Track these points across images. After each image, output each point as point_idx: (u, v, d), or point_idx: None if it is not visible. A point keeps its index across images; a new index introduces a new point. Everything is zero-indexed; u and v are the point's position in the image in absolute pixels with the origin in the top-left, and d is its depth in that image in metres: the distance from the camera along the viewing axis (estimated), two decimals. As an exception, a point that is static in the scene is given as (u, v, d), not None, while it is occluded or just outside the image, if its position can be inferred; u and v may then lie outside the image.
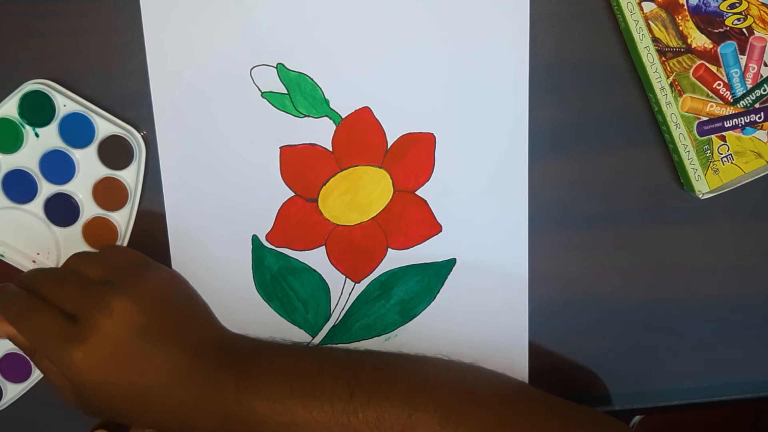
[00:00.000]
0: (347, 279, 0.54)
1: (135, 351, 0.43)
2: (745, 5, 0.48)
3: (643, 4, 0.48)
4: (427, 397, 0.44)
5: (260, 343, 0.48)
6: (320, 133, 0.52)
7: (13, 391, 0.54)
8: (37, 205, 0.52)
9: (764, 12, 0.48)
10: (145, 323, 0.44)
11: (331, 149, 0.52)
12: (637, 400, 0.56)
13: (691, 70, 0.49)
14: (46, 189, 0.52)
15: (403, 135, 0.52)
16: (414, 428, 0.43)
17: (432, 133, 0.52)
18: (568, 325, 0.55)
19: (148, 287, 0.45)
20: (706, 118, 0.50)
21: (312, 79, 0.51)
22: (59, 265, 0.53)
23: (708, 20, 0.49)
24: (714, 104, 0.49)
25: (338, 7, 0.50)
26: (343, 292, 0.54)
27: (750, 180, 0.50)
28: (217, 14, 0.50)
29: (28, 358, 0.46)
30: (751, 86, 0.49)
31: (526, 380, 0.55)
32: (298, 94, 0.51)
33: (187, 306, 0.48)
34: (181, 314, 0.46)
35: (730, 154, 0.50)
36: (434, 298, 0.54)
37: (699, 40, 0.49)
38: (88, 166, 0.52)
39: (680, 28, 0.49)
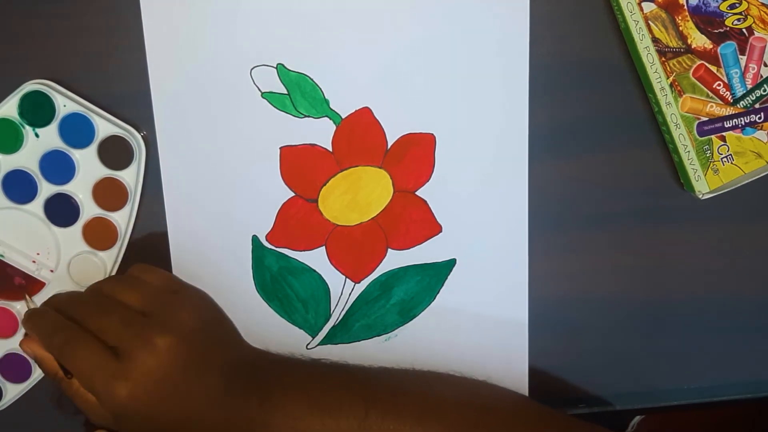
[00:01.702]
0: (347, 279, 0.54)
1: (178, 383, 0.44)
2: (745, 5, 0.48)
3: (643, 4, 0.48)
4: (439, 416, 0.45)
5: (282, 360, 0.49)
6: (320, 133, 0.52)
7: (13, 391, 0.54)
8: (37, 205, 0.52)
9: (764, 12, 0.48)
10: (186, 356, 0.44)
11: (331, 149, 0.52)
12: (637, 400, 0.56)
13: (691, 71, 0.49)
14: (46, 189, 0.52)
15: (403, 135, 0.52)
16: None
17: (432, 133, 0.52)
18: (568, 325, 0.55)
19: (186, 318, 0.46)
20: (706, 119, 0.50)
21: (312, 80, 0.51)
22: (58, 266, 0.53)
23: (708, 20, 0.49)
24: (714, 104, 0.49)
25: (338, 8, 0.50)
26: (343, 292, 0.54)
27: (750, 180, 0.50)
28: (217, 14, 0.50)
29: (54, 381, 0.47)
30: (751, 86, 0.49)
31: (526, 380, 0.55)
32: (298, 94, 0.51)
33: (218, 329, 0.49)
34: (215, 339, 0.47)
35: (730, 155, 0.50)
36: (434, 298, 0.54)
37: (699, 40, 0.49)
38: (88, 167, 0.52)
39: (680, 28, 0.49)
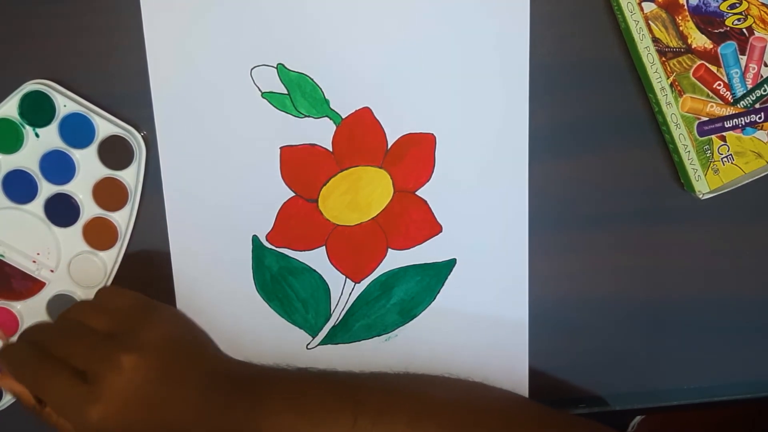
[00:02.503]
0: (347, 279, 0.54)
1: (149, 401, 0.44)
2: (745, 5, 0.48)
3: (643, 4, 0.48)
4: (432, 417, 0.45)
5: (266, 370, 0.49)
6: (320, 133, 0.52)
7: (14, 391, 0.55)
8: (37, 205, 0.52)
9: (764, 12, 0.48)
10: (156, 372, 0.44)
11: (331, 149, 0.52)
12: (637, 400, 0.56)
13: (691, 71, 0.49)
14: (46, 189, 0.52)
15: (403, 135, 0.52)
16: None
17: (432, 133, 0.52)
18: (568, 325, 0.55)
19: (153, 335, 0.46)
20: (706, 119, 0.50)
21: (312, 80, 0.51)
22: (58, 266, 0.53)
23: (708, 20, 0.49)
24: (714, 104, 0.49)
25: (338, 8, 0.50)
26: (343, 292, 0.54)
27: (750, 180, 0.50)
28: (217, 14, 0.50)
29: (34, 414, 0.47)
30: (751, 86, 0.49)
31: (526, 380, 0.55)
32: (298, 94, 0.51)
33: (192, 343, 0.48)
34: (188, 353, 0.47)
35: (731, 155, 0.50)
36: (434, 298, 0.54)
37: (699, 40, 0.49)
38: (88, 167, 0.52)
39: (680, 28, 0.49)
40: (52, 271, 0.53)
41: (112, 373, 0.43)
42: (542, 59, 0.51)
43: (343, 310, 0.54)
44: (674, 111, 0.50)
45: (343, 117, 0.51)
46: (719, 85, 0.49)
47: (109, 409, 0.43)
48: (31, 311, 0.54)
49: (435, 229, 0.53)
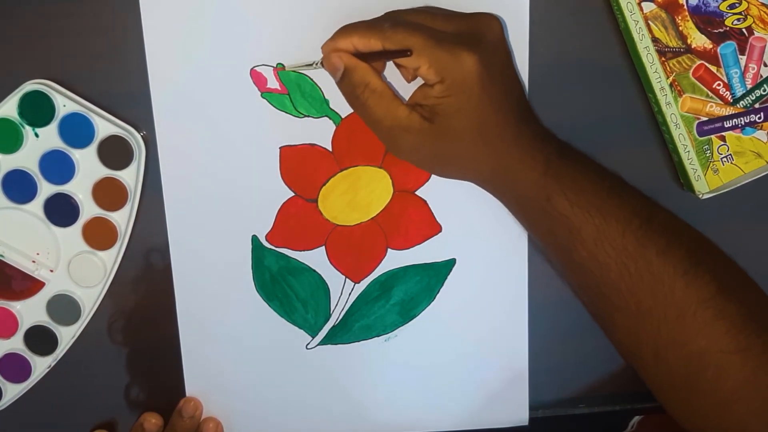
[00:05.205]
0: (347, 279, 0.54)
1: (498, 76, 0.45)
2: (744, 5, 0.48)
3: (643, 4, 0.48)
4: (706, 267, 0.45)
5: (567, 150, 0.48)
6: (320, 133, 0.52)
7: (13, 391, 0.54)
8: (36, 205, 0.52)
9: (764, 12, 0.48)
10: (505, 61, 0.46)
11: (330, 149, 0.52)
12: (637, 400, 0.56)
13: (691, 70, 0.49)
14: (46, 189, 0.52)
15: (403, 135, 0.52)
16: (689, 286, 0.44)
17: (432, 133, 0.52)
18: (568, 326, 0.55)
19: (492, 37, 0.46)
20: (706, 119, 0.50)
21: (312, 80, 0.51)
22: (58, 266, 0.53)
23: (708, 20, 0.49)
24: (714, 104, 0.49)
25: (338, 8, 0.50)
26: (343, 292, 0.54)
27: (750, 180, 0.50)
28: (217, 14, 0.50)
29: (356, 95, 0.46)
30: (750, 86, 0.49)
31: (526, 380, 0.55)
32: (297, 94, 0.51)
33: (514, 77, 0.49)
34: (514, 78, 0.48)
35: (730, 155, 0.50)
36: (434, 298, 0.54)
37: (699, 40, 0.49)
38: (88, 166, 0.52)
39: (680, 28, 0.49)
40: (51, 270, 0.53)
41: (484, 33, 0.45)
42: (542, 59, 0.51)
43: (342, 310, 0.54)
44: (674, 111, 0.50)
45: (343, 117, 0.51)
46: (719, 85, 0.49)
47: (482, 60, 0.43)
48: (30, 311, 0.53)
49: (435, 229, 0.53)
